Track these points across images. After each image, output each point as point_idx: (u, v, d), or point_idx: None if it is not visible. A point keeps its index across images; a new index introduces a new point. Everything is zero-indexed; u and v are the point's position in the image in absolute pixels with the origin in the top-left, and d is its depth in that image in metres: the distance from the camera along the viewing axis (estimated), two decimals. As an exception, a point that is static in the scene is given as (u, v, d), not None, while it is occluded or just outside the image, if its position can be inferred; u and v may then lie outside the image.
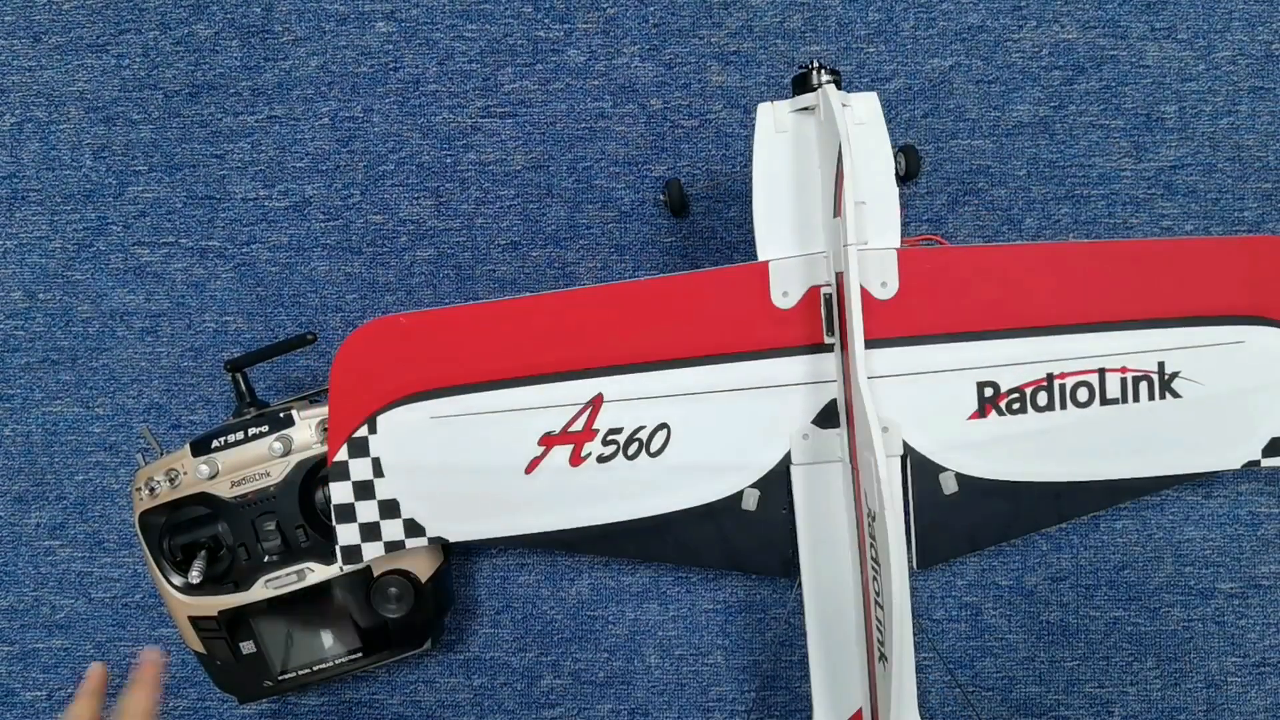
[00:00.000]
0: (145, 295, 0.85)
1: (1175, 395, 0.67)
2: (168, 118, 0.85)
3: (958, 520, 0.68)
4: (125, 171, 0.85)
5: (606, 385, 0.67)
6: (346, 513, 0.69)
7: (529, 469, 0.68)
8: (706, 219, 0.84)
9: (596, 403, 0.67)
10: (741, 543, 0.69)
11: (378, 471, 0.68)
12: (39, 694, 0.85)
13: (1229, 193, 0.83)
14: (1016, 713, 0.81)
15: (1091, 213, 0.83)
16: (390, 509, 0.69)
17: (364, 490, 0.68)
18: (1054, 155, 0.83)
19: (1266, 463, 0.69)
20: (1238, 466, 0.69)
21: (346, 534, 0.69)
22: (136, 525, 0.73)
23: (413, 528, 0.69)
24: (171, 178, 0.85)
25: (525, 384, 0.67)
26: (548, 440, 0.68)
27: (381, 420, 0.68)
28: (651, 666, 0.83)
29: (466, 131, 0.85)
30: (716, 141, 0.84)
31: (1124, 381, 0.67)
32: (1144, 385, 0.67)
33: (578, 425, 0.68)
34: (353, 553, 0.69)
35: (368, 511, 0.69)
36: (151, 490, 0.72)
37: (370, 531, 0.69)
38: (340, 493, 0.68)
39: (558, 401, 0.67)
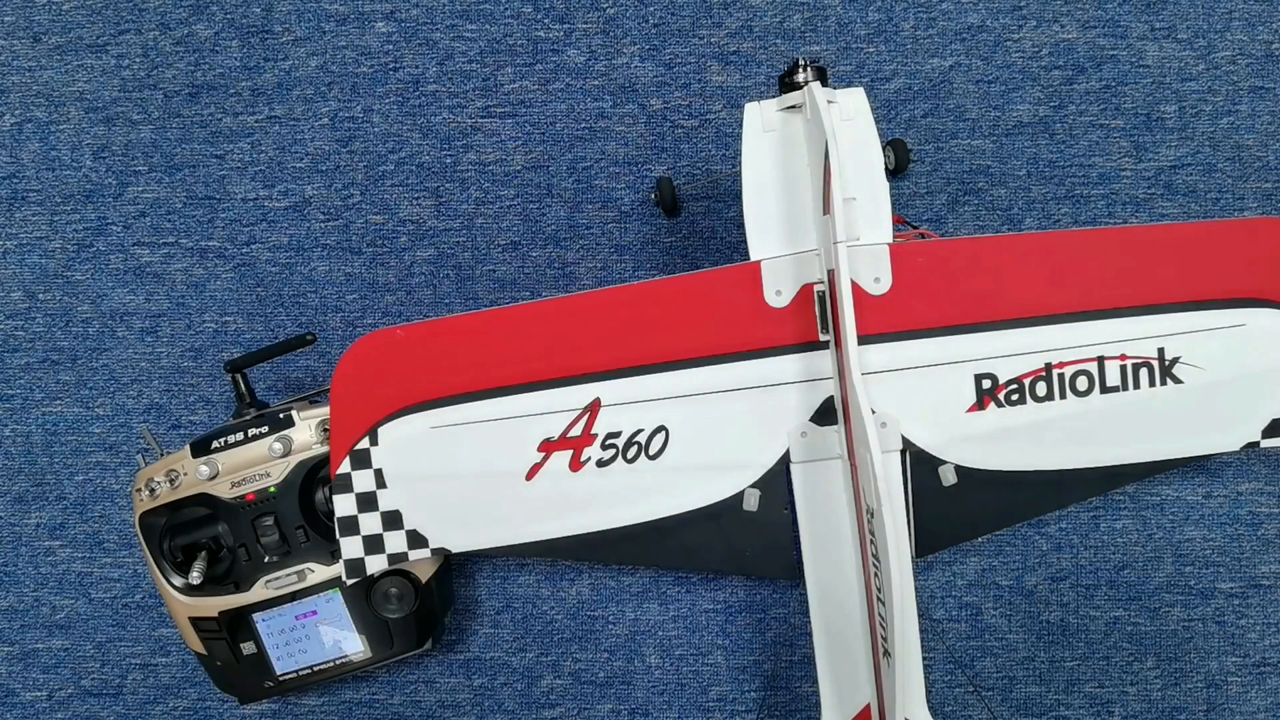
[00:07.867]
0: (145, 295, 0.85)
1: (1176, 381, 0.67)
2: (167, 118, 0.85)
3: (957, 510, 0.67)
4: (125, 172, 0.85)
5: (604, 390, 0.67)
6: (350, 525, 0.69)
7: (529, 475, 0.68)
8: (707, 219, 0.84)
9: (594, 407, 0.67)
10: (745, 546, 0.69)
11: (380, 483, 0.68)
12: (39, 694, 0.85)
13: (1229, 193, 0.82)
14: (1017, 713, 0.81)
15: (1091, 212, 0.83)
16: (393, 520, 0.69)
17: (367, 502, 0.68)
18: (1054, 155, 0.83)
19: (1266, 443, 0.68)
20: (1237, 448, 0.69)
21: (350, 547, 0.69)
22: (137, 526, 0.73)
23: (416, 539, 0.69)
24: (171, 178, 0.85)
25: (523, 391, 0.67)
26: (547, 446, 0.68)
27: (383, 432, 0.68)
28: (652, 666, 0.83)
29: (466, 131, 0.84)
30: (717, 141, 0.84)
31: (1124, 369, 0.67)
32: (1144, 372, 0.67)
33: (576, 430, 0.68)
34: (357, 566, 0.69)
35: (371, 524, 0.69)
36: (152, 491, 0.72)
37: (374, 544, 0.69)
38: (344, 505, 0.68)
39: (556, 407, 0.67)
